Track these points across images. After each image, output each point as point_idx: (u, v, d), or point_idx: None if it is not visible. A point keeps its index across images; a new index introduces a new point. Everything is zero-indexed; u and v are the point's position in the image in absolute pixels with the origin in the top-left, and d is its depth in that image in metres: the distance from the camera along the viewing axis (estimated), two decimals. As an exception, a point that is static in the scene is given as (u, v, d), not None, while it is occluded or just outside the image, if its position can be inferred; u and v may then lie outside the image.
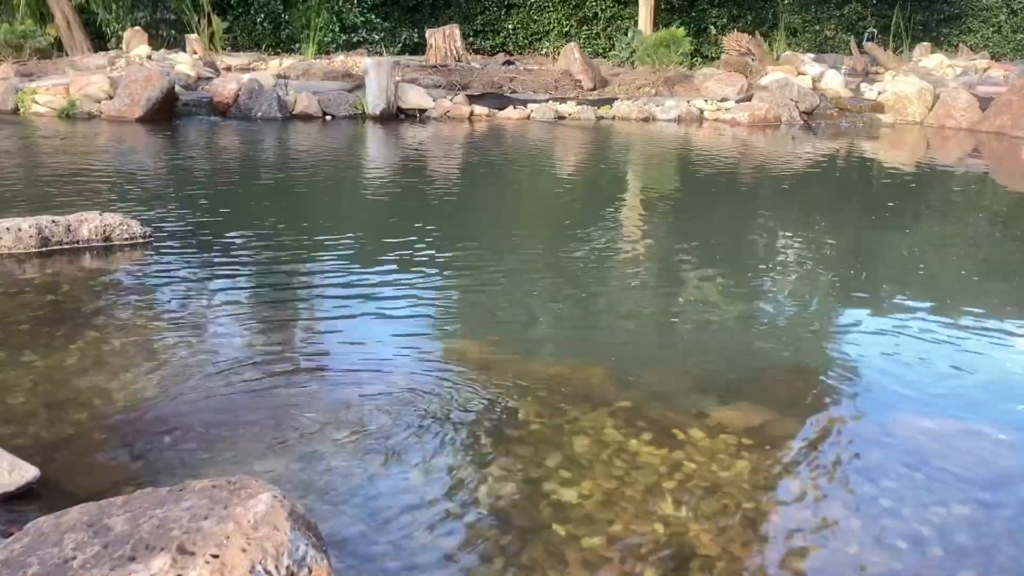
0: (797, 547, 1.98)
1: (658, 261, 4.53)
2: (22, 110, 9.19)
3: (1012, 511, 2.15)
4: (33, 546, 1.49)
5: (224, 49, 13.37)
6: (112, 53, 11.77)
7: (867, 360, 3.11)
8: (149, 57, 11.28)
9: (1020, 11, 16.99)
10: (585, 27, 16.08)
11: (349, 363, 2.90)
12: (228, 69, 11.55)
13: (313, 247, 4.35)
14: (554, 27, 15.99)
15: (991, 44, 17.12)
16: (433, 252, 4.38)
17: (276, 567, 1.44)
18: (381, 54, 13.19)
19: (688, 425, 2.50)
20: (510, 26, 15.93)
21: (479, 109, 10.46)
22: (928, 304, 3.81)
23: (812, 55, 13.80)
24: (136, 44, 11.82)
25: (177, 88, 9.50)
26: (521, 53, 15.81)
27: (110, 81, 9.39)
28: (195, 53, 11.96)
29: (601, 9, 15.85)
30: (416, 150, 8.34)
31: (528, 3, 15.80)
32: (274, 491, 1.60)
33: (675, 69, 12.46)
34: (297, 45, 13.87)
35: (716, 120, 10.78)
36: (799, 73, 12.15)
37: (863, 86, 12.25)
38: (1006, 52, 16.91)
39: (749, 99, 11.02)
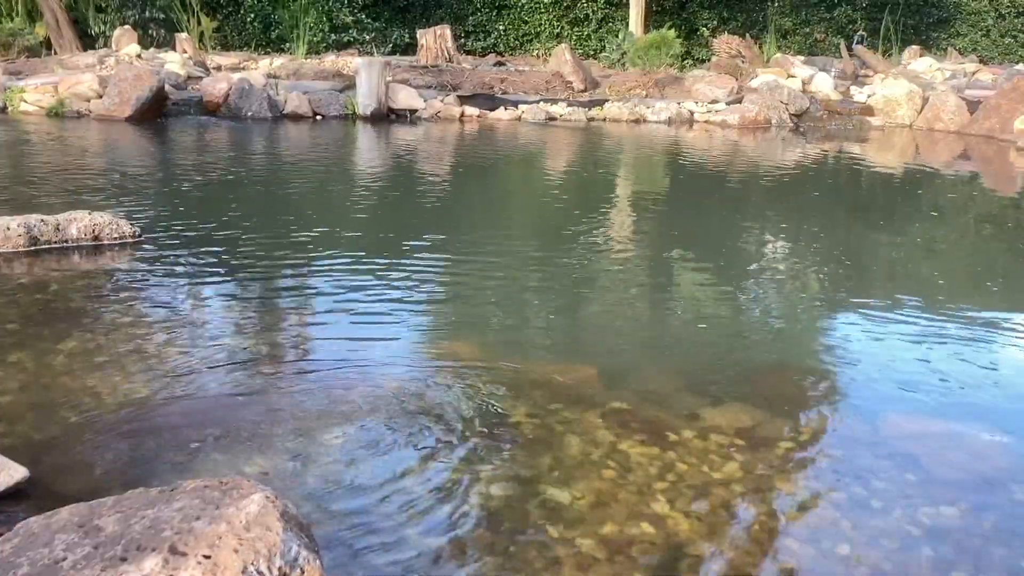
0: (788, 547, 1.98)
1: (649, 263, 4.54)
2: (10, 109, 9.12)
3: (1001, 512, 2.16)
4: (23, 547, 1.48)
5: (214, 48, 13.32)
6: (101, 52, 11.71)
7: (857, 362, 3.13)
8: (139, 56, 11.23)
9: (1008, 15, 17.11)
10: (576, 28, 16.10)
11: (340, 363, 2.89)
12: (218, 68, 11.51)
13: (303, 247, 4.34)
14: (545, 28, 15.99)
15: (980, 48, 17.23)
16: (424, 252, 4.37)
17: (268, 568, 1.44)
18: (372, 54, 13.17)
19: (680, 426, 2.51)
20: (501, 27, 15.93)
21: (470, 110, 10.46)
22: (918, 306, 3.83)
23: (802, 58, 13.84)
24: (126, 43, 11.76)
25: (167, 87, 9.45)
26: (512, 54, 15.80)
27: (99, 80, 9.33)
28: (185, 52, 11.91)
29: (592, 11, 15.87)
30: (407, 151, 8.33)
31: (519, 4, 15.80)
32: (266, 491, 1.59)
33: (666, 71, 12.49)
34: (287, 45, 13.83)
35: (706, 122, 10.81)
36: (789, 76, 12.19)
37: (853, 89, 12.30)
38: (994, 56, 17.01)
39: (739, 101, 11.05)
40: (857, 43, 15.66)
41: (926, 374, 3.04)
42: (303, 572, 1.48)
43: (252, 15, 14.02)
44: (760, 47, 14.27)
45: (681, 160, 8.38)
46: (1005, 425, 2.66)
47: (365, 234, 4.80)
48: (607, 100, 11.16)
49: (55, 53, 12.06)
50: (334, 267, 4.07)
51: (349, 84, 10.49)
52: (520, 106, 10.70)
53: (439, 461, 2.27)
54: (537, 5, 15.83)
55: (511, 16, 15.91)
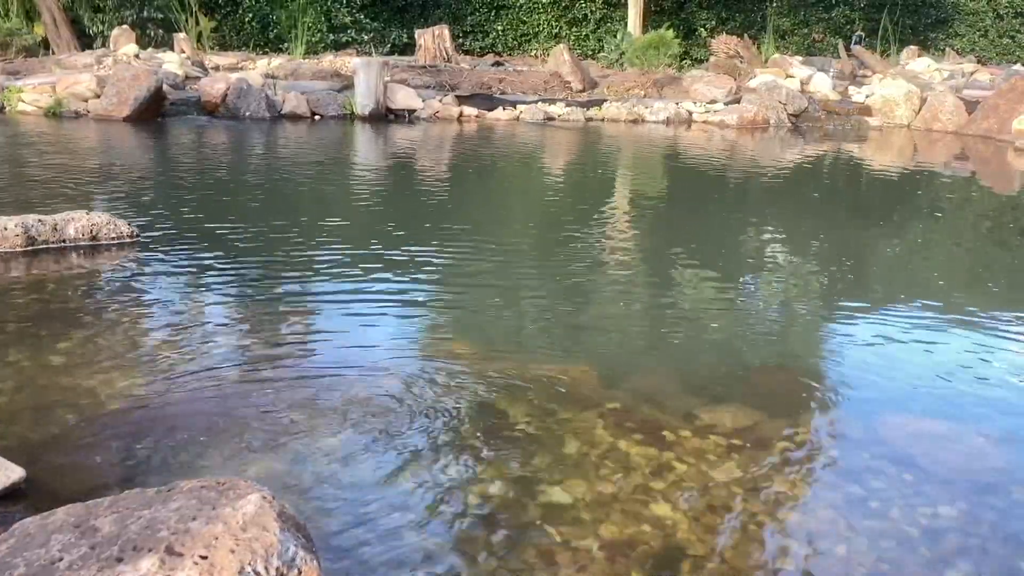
0: (785, 547, 1.98)
1: (647, 263, 4.54)
2: (8, 109, 9.11)
3: (999, 512, 2.16)
4: (19, 547, 1.48)
5: (212, 48, 13.32)
6: (99, 52, 11.71)
7: (855, 362, 3.13)
8: (137, 56, 11.23)
9: (1006, 15, 17.13)
10: (575, 29, 16.11)
11: (338, 363, 2.89)
12: (216, 68, 11.50)
13: (301, 247, 4.33)
14: (544, 28, 16.00)
15: (978, 48, 17.26)
16: (422, 252, 4.37)
17: (265, 568, 1.43)
18: (370, 54, 13.16)
19: (678, 426, 2.51)
20: (499, 27, 15.93)
21: (468, 110, 10.46)
22: (916, 306, 3.83)
23: (800, 58, 13.86)
24: (124, 43, 11.76)
25: (165, 87, 9.44)
26: (510, 54, 15.81)
27: (97, 80, 9.32)
28: (183, 52, 11.90)
29: (591, 11, 15.88)
30: (405, 151, 8.33)
31: (518, 4, 15.81)
32: (263, 491, 1.59)
33: (664, 71, 12.50)
34: (285, 45, 13.83)
35: (705, 122, 10.81)
36: (787, 76, 12.20)
37: (851, 89, 12.31)
38: (992, 56, 17.04)
39: (738, 101, 11.05)
40: (855, 43, 15.68)
41: (924, 374, 3.04)
42: (300, 572, 1.48)
43: (250, 15, 14.02)
44: (758, 47, 14.27)
45: (679, 160, 8.38)
46: (1003, 425, 2.66)
47: (363, 234, 4.79)
48: (605, 100, 11.17)
49: (53, 53, 12.06)
50: (332, 267, 4.07)
51: (347, 84, 10.49)
52: (518, 106, 10.70)
53: (437, 461, 2.27)
54: (535, 5, 15.84)
55: (509, 16, 15.91)
